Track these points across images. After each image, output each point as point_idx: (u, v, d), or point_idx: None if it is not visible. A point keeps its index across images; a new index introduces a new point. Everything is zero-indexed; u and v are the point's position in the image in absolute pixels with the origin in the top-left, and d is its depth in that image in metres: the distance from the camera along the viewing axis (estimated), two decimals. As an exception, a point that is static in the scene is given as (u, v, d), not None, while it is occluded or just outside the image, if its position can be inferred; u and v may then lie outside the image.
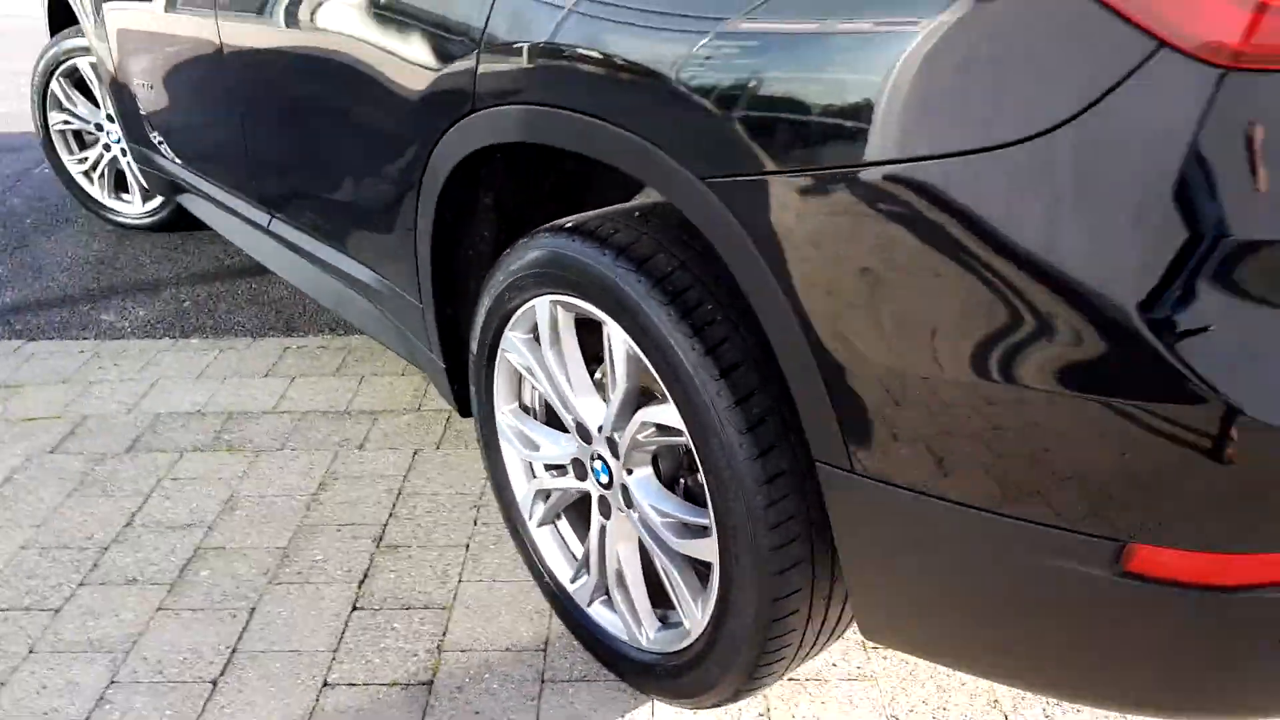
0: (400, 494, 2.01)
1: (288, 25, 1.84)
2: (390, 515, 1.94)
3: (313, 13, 1.76)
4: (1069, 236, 0.80)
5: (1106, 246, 0.78)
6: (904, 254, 0.89)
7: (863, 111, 0.89)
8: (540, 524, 1.61)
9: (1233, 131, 0.73)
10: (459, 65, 1.39)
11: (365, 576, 1.77)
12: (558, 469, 1.54)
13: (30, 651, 1.60)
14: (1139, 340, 0.78)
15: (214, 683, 1.54)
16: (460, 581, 1.76)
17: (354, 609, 1.70)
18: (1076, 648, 0.94)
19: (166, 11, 2.39)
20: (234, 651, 1.60)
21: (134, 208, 3.50)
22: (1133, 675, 0.94)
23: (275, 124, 2.03)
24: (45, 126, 3.46)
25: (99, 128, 3.40)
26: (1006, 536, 0.92)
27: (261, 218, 2.30)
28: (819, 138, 0.93)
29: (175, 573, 1.79)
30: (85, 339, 2.76)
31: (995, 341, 0.87)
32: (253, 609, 1.70)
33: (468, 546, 1.85)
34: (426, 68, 1.46)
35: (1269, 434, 0.77)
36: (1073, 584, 0.90)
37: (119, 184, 3.50)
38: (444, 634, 1.64)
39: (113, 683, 1.54)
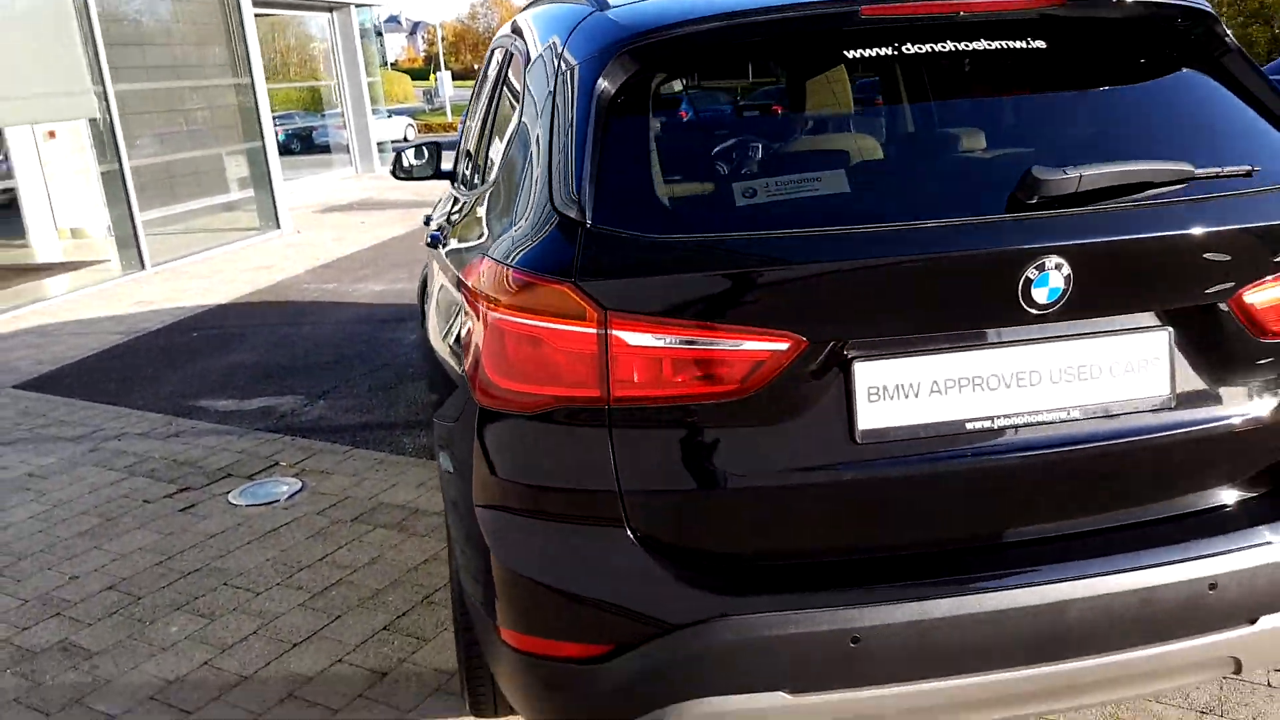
0: (458, 574, 3.18)
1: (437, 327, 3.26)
2: (445, 584, 3.12)
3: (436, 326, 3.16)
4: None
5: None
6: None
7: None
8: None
9: (495, 433, 1.71)
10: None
11: (404, 614, 2.96)
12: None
13: (255, 632, 3.04)
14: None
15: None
16: (445, 630, 2.86)
17: (384, 629, 2.89)
18: None
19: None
20: (323, 630, 2.88)
21: (460, 369, 5.20)
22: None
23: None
24: (423, 315, 5.34)
25: (447, 316, 5.17)
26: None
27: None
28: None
29: (321, 588, 3.14)
30: (382, 452, 4.38)
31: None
32: (343, 613, 2.97)
33: (465, 611, 2.95)
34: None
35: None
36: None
37: (455, 353, 5.23)
38: (412, 654, 2.76)
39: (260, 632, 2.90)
